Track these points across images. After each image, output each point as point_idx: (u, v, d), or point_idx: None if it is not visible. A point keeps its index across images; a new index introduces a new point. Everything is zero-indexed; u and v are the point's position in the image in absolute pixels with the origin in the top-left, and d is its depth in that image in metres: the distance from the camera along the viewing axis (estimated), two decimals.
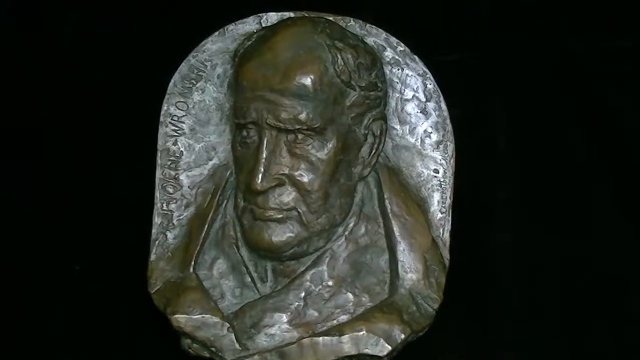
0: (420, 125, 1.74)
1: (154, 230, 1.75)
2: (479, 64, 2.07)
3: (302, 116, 1.62)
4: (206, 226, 1.73)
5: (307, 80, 1.62)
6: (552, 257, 1.96)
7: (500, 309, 1.91)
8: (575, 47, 2.07)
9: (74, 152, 2.09)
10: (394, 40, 1.74)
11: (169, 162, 1.76)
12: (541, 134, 2.04)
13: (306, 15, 1.73)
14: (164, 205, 1.76)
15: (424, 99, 1.74)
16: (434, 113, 1.74)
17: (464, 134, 1.76)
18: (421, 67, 1.74)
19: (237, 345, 1.67)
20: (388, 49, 1.73)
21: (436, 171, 1.74)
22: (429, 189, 1.74)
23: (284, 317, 1.68)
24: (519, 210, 2.00)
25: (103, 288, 1.96)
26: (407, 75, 1.73)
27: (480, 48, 2.08)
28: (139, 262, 1.77)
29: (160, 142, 1.76)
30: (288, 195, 1.65)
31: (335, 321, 1.67)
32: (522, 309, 1.91)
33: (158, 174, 1.76)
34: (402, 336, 1.66)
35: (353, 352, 1.65)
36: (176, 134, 1.76)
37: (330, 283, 1.69)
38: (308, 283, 1.68)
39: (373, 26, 1.74)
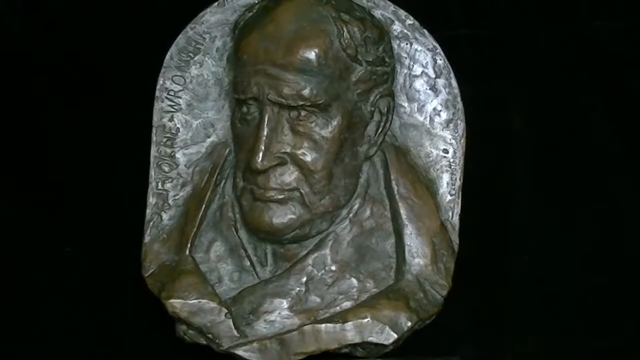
0: (429, 102, 1.70)
1: (148, 211, 1.72)
2: (490, 40, 2.03)
3: (306, 92, 1.58)
4: (203, 207, 1.69)
5: (312, 54, 1.58)
6: (570, 242, 1.94)
7: (514, 299, 1.91)
8: (592, 25, 2.03)
9: (68, 132, 2.05)
10: (402, 13, 1.70)
11: (164, 139, 1.72)
12: (556, 114, 2.00)
13: None
14: (159, 184, 1.72)
15: (433, 75, 1.69)
16: (444, 90, 1.70)
17: (474, 113, 1.72)
18: (431, 41, 1.69)
19: (235, 332, 1.63)
20: (396, 22, 1.69)
21: (445, 151, 1.70)
22: (438, 169, 1.70)
23: (285, 303, 1.64)
24: (534, 194, 1.97)
25: (95, 270, 1.94)
26: (416, 50, 1.69)
27: (491, 24, 2.04)
28: (132, 244, 1.74)
29: (155, 118, 1.72)
30: (290, 175, 1.61)
31: (338, 307, 1.64)
32: (537, 300, 1.90)
33: (153, 151, 1.72)
34: (409, 324, 1.62)
35: (357, 340, 1.62)
36: (172, 110, 1.72)
37: (333, 268, 1.65)
38: (310, 267, 1.65)
39: None
